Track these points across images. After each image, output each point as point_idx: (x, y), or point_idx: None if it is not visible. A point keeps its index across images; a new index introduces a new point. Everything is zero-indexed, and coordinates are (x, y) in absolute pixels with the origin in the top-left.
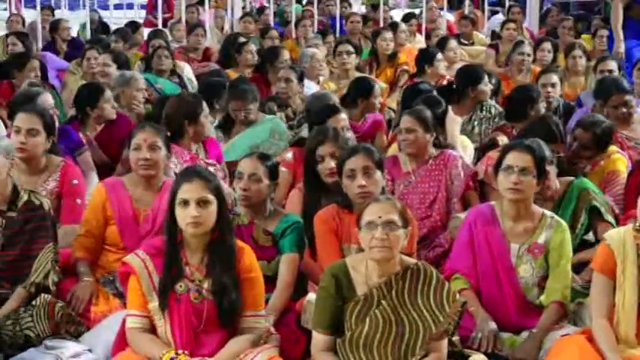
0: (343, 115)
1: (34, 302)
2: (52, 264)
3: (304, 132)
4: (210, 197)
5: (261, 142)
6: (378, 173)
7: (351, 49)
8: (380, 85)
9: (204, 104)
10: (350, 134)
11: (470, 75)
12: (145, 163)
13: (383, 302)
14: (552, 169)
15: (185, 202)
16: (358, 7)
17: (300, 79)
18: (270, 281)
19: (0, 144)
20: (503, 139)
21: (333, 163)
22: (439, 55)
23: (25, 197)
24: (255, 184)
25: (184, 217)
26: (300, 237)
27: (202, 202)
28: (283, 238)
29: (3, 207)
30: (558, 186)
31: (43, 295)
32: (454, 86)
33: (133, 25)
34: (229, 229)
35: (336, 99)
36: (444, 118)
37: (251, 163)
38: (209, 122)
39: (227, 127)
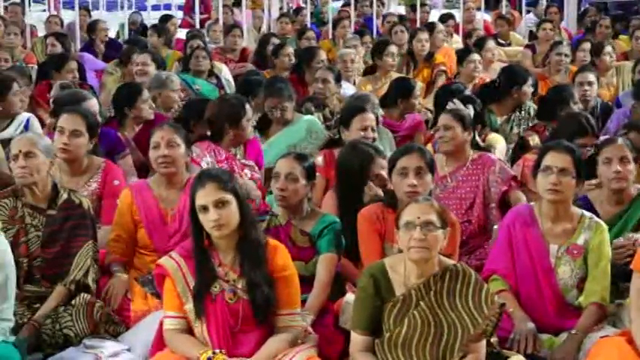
0: (370, 115)
1: (73, 302)
2: (91, 261)
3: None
4: (228, 197)
5: (298, 142)
6: (429, 175)
7: (395, 50)
8: (418, 85)
9: (248, 108)
10: (376, 135)
11: (515, 76)
12: (163, 160)
13: (421, 303)
14: None
15: (204, 208)
16: (395, 7)
17: (338, 80)
18: (308, 282)
19: (40, 142)
20: (534, 139)
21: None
22: (474, 56)
23: (65, 196)
24: (292, 184)
25: (206, 222)
26: (337, 237)
27: (220, 204)
28: (321, 238)
29: (43, 205)
30: None
31: (82, 294)
32: (497, 84)
33: (166, 18)
34: (253, 225)
35: (375, 100)
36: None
37: (288, 163)
38: (251, 126)
39: (264, 127)
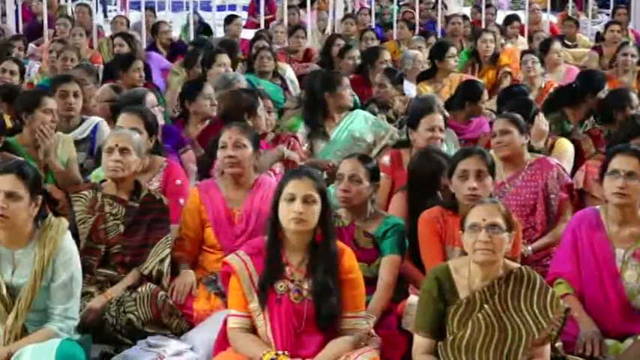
0: (438, 116)
1: (139, 289)
2: (168, 252)
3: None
4: (316, 196)
5: (359, 129)
6: (490, 179)
7: (456, 52)
8: None
9: (259, 98)
10: (444, 135)
11: (592, 81)
12: (230, 160)
13: (485, 306)
14: None
15: (291, 198)
16: (459, 8)
17: (398, 82)
18: (371, 283)
19: (136, 141)
20: (587, 142)
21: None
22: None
23: (145, 191)
24: (355, 186)
25: (288, 212)
26: (401, 239)
27: (308, 200)
28: (384, 240)
29: (125, 197)
30: None
31: (148, 284)
32: (573, 88)
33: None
34: (333, 232)
35: (440, 102)
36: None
37: (351, 164)
38: (265, 115)
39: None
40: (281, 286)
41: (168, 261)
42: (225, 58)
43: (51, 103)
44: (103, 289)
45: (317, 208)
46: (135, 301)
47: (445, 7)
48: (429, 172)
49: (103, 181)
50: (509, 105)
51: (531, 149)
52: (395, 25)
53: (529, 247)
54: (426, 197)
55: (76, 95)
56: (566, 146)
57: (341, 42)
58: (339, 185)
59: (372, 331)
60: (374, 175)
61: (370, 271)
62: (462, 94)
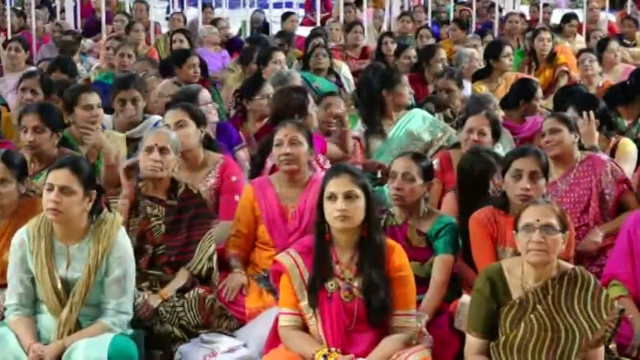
0: (479, 119)
1: (187, 295)
2: (214, 248)
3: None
4: (358, 192)
5: (416, 128)
6: (543, 180)
7: (511, 51)
8: None
9: (310, 97)
10: (485, 139)
11: None
12: (286, 158)
13: (539, 307)
14: None
15: (333, 196)
16: (517, 7)
17: (460, 84)
18: (423, 283)
19: (173, 139)
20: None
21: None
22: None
23: (182, 187)
24: (408, 184)
25: (332, 211)
26: (454, 238)
27: (350, 196)
28: (437, 239)
29: (163, 196)
30: None
31: (196, 289)
32: (626, 86)
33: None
34: (377, 227)
35: (495, 100)
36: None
37: (405, 162)
38: (315, 113)
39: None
40: (331, 285)
41: (215, 257)
42: (280, 55)
43: (89, 98)
44: (152, 288)
45: (360, 203)
46: (183, 306)
47: (500, 9)
48: (478, 171)
49: (140, 180)
50: (571, 102)
51: (581, 147)
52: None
53: (600, 232)
54: (477, 197)
55: (134, 102)
56: (630, 146)
57: (388, 40)
58: (392, 183)
59: (425, 330)
60: (427, 174)
61: (423, 270)
62: (516, 93)
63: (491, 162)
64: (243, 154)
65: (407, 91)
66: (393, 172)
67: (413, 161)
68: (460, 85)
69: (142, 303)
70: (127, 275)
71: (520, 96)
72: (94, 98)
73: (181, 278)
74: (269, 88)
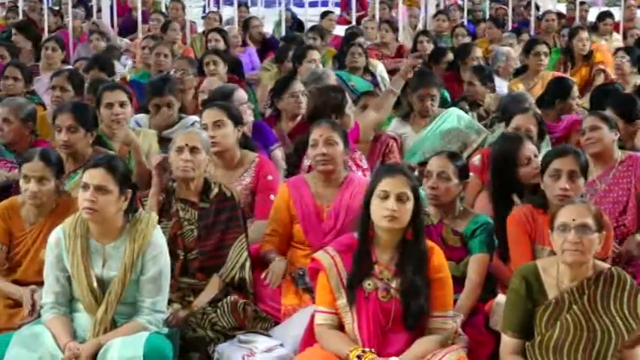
0: (527, 116)
1: (219, 304)
2: (246, 255)
3: (498, 132)
4: (410, 194)
5: (451, 128)
6: (582, 180)
7: (547, 49)
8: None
9: (347, 96)
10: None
11: None
12: (322, 158)
13: (574, 307)
14: None
15: (385, 195)
16: (554, 5)
17: (487, 80)
18: (459, 282)
19: (204, 139)
20: None
21: (536, 164)
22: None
23: (215, 189)
24: (443, 183)
25: (382, 209)
26: (490, 238)
27: (402, 198)
28: (473, 238)
29: (195, 199)
30: None
31: (229, 297)
32: None
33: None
34: (423, 232)
35: (531, 99)
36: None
37: (440, 161)
38: (352, 114)
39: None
40: (369, 284)
41: (248, 264)
42: (315, 54)
43: (111, 96)
44: (184, 299)
45: (410, 206)
46: (216, 312)
47: (537, 8)
48: (507, 148)
49: (173, 181)
50: (608, 102)
51: (621, 147)
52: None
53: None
54: (509, 183)
55: (169, 106)
56: None
57: (424, 39)
58: (428, 182)
59: (460, 330)
60: (463, 173)
61: (458, 269)
62: (552, 92)
63: (521, 137)
64: (279, 153)
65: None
66: (429, 172)
67: (448, 160)
68: (485, 82)
69: (171, 315)
70: (163, 274)
71: (556, 95)
72: (117, 96)
73: (213, 289)
74: (298, 86)
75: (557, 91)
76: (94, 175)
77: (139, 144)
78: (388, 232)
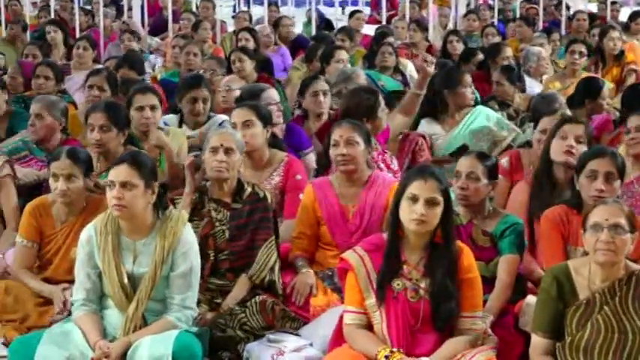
0: (556, 116)
1: (247, 304)
2: (276, 257)
3: (528, 132)
4: (440, 199)
5: (480, 128)
6: (618, 182)
7: (584, 49)
8: (607, 85)
9: (381, 98)
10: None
11: None
12: (342, 158)
13: (605, 308)
14: None
15: (414, 198)
16: (584, 5)
17: (516, 80)
18: (488, 282)
19: (238, 140)
20: None
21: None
22: None
23: (249, 189)
24: (473, 183)
25: (410, 212)
26: (519, 238)
27: (431, 202)
28: (502, 239)
29: (227, 199)
30: None
31: (257, 297)
32: None
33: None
34: (454, 235)
35: (562, 99)
36: None
37: (469, 162)
38: (385, 116)
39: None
40: (398, 284)
41: (277, 267)
42: (343, 54)
43: (142, 100)
44: (213, 301)
45: (439, 209)
46: (245, 312)
47: (568, 7)
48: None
49: (206, 181)
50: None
51: None
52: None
53: None
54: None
55: (204, 101)
56: None
57: (454, 38)
58: (457, 183)
59: (489, 330)
60: (492, 173)
61: (488, 270)
62: (581, 92)
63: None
64: (312, 156)
65: (469, 92)
66: (458, 172)
67: (477, 160)
68: (514, 82)
69: (199, 315)
70: (193, 270)
71: (585, 95)
72: (148, 99)
73: (241, 290)
74: (320, 85)
75: (587, 91)
76: (118, 172)
77: (171, 147)
78: (416, 234)
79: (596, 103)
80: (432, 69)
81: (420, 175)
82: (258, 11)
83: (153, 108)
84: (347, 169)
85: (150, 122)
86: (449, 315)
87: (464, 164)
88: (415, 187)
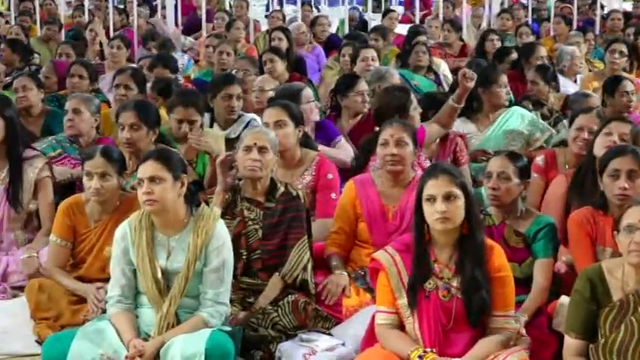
0: (589, 117)
1: (280, 303)
2: (309, 257)
3: (563, 132)
4: (457, 192)
5: (514, 128)
6: None
7: (624, 49)
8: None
9: (413, 97)
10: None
11: None
12: (391, 159)
13: (639, 309)
14: None
15: (432, 198)
16: (619, 4)
17: (550, 79)
18: (521, 284)
19: (272, 139)
20: None
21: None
22: None
23: (282, 189)
24: (504, 183)
25: (432, 213)
26: (554, 240)
27: (449, 197)
28: (536, 241)
29: (260, 198)
30: None
31: (289, 297)
32: None
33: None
34: (479, 225)
35: (596, 99)
36: None
37: (500, 162)
38: (418, 114)
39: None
40: (430, 284)
41: (311, 266)
42: (369, 52)
43: (183, 112)
44: (245, 300)
45: (460, 203)
46: (277, 312)
47: (602, 7)
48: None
49: (239, 180)
50: None
51: None
52: (552, 20)
53: None
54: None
55: (238, 98)
56: None
57: (494, 37)
58: (488, 183)
59: (523, 330)
60: (523, 173)
61: (521, 271)
62: (606, 91)
63: None
64: (344, 142)
65: (504, 92)
66: (489, 172)
67: (508, 160)
68: (549, 81)
69: (231, 315)
70: (226, 266)
71: (609, 94)
72: (188, 113)
73: (274, 290)
74: (363, 85)
75: (610, 91)
76: (145, 169)
77: (217, 150)
78: (443, 232)
79: (616, 100)
80: (471, 84)
81: (431, 175)
82: (291, 10)
83: (192, 122)
84: (395, 169)
85: (190, 130)
86: (481, 306)
87: (495, 164)
88: (430, 187)
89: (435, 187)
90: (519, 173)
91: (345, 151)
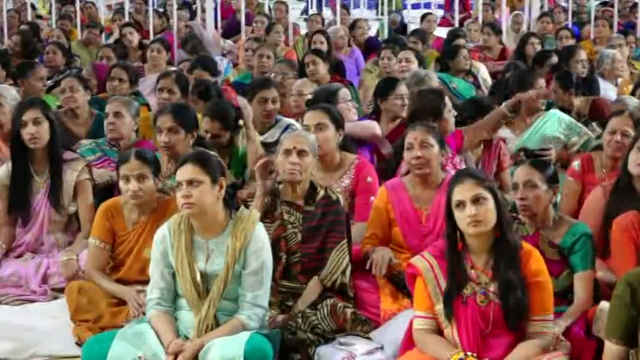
0: (622, 119)
1: (318, 306)
2: (347, 261)
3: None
4: (485, 194)
5: (551, 132)
6: None
7: None
8: None
9: (447, 99)
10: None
11: None
12: (417, 162)
13: None
14: None
15: (461, 204)
16: None
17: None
18: (559, 297)
19: (312, 142)
20: None
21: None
22: None
23: (322, 192)
24: (531, 192)
25: (463, 218)
26: (591, 251)
27: (477, 200)
28: (574, 254)
29: (300, 202)
30: None
31: (328, 299)
32: None
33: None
34: (509, 226)
35: (635, 102)
36: None
37: (525, 171)
38: (452, 117)
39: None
40: (467, 289)
41: (349, 270)
42: (407, 54)
43: (206, 123)
44: (283, 303)
45: (490, 205)
46: (316, 316)
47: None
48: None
49: (279, 183)
50: None
51: None
52: (592, 23)
53: None
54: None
55: (274, 102)
56: None
57: (535, 40)
58: (516, 194)
59: (562, 336)
60: (551, 179)
61: (558, 284)
62: (633, 94)
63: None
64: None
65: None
66: (515, 183)
67: (533, 168)
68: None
69: (270, 318)
70: (265, 268)
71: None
72: (213, 126)
73: (313, 294)
74: (403, 89)
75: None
76: (183, 172)
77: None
78: (477, 237)
79: None
80: (542, 107)
81: (457, 181)
82: (328, 14)
83: (274, 101)
84: (422, 172)
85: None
86: (517, 308)
87: (520, 174)
88: (457, 193)
89: (462, 192)
90: (546, 179)
91: (367, 122)
